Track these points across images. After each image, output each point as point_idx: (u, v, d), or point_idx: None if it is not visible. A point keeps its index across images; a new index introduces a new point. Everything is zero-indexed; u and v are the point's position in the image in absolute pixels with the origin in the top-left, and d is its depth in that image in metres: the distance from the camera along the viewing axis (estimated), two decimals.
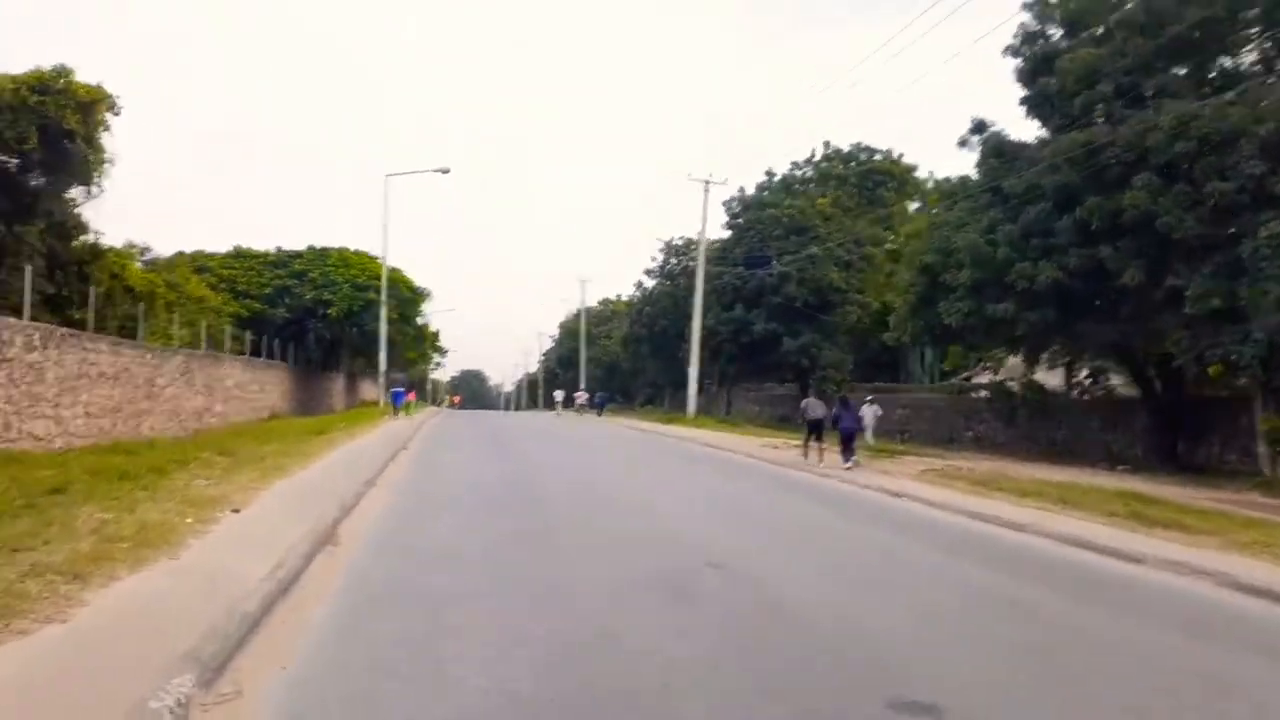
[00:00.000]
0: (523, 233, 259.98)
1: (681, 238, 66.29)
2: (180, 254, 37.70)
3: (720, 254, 45.08)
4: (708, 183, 41.66)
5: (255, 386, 34.36)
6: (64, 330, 18.12)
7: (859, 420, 20.82)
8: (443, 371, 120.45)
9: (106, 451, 13.88)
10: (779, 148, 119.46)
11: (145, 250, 37.30)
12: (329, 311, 40.95)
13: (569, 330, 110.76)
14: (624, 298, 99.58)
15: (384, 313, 39.15)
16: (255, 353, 36.77)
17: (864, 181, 45.66)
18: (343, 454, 16.09)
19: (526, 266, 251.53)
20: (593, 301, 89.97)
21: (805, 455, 19.90)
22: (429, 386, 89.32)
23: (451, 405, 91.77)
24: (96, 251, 22.50)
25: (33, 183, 19.83)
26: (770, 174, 47.65)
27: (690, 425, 39.41)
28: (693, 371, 42.02)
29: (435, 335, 67.48)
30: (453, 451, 20.90)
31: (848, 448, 18.45)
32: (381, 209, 36.83)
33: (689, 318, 61.50)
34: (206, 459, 12.97)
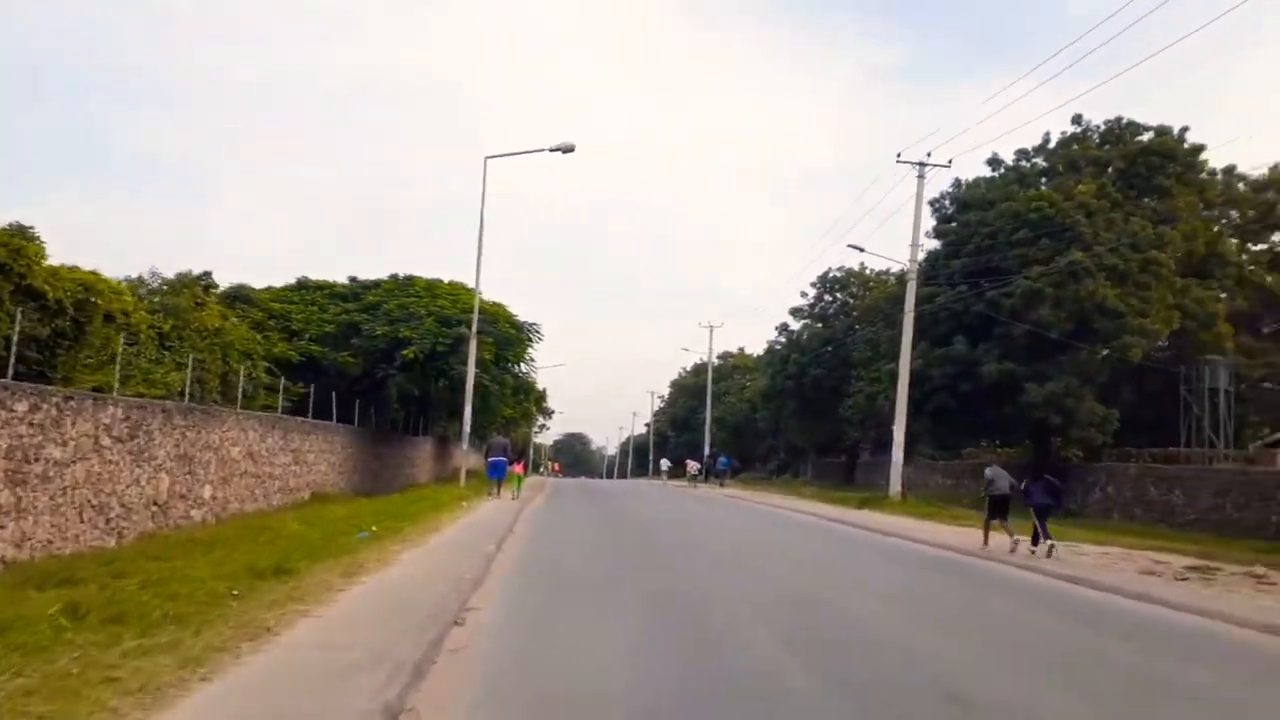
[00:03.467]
0: (632, 275, 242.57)
1: (840, 268, 54.81)
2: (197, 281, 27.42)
3: (928, 270, 32.88)
4: (923, 165, 29.72)
5: (286, 457, 23.75)
6: None
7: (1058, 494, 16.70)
8: (545, 435, 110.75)
9: None
10: (995, 136, 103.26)
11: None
12: (404, 352, 30.29)
13: (683, 388, 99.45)
14: (749, 352, 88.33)
15: (473, 346, 28.06)
16: (299, 411, 26.47)
17: (1133, 167, 32.85)
18: None
19: (636, 315, 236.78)
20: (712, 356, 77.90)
21: (986, 541, 16.11)
22: (530, 452, 78.92)
23: (552, 473, 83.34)
24: None
25: None
26: (995, 162, 35.19)
27: (898, 512, 26.99)
28: (899, 432, 29.64)
29: (541, 394, 57.10)
30: (572, 603, 9.38)
31: (1039, 524, 15.06)
32: (478, 201, 26.22)
33: (850, 366, 49.30)
34: None
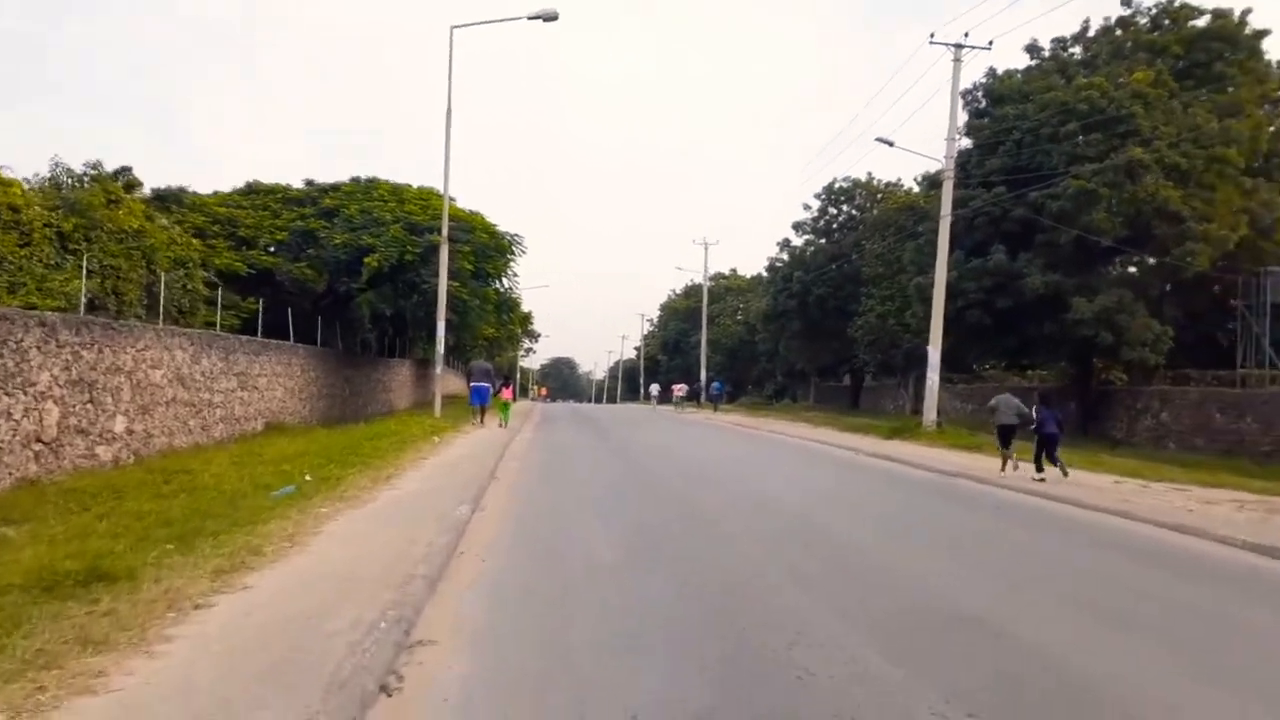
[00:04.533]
0: (622, 188, 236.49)
1: (847, 178, 50.84)
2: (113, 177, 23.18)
3: (960, 172, 29.10)
4: (959, 46, 25.68)
5: (230, 381, 20.17)
6: None
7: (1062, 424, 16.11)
8: (531, 359, 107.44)
9: None
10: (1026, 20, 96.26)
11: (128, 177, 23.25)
12: (367, 260, 26.48)
13: (674, 310, 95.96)
14: (742, 273, 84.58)
15: (444, 251, 24.28)
16: (249, 330, 22.98)
17: (1190, 53, 28.96)
18: None
19: (625, 237, 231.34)
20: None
21: (1003, 468, 16.07)
22: (516, 376, 75.72)
23: (539, 397, 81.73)
24: None
25: None
26: (1034, 49, 31.17)
27: (938, 443, 23.76)
28: (934, 353, 26.19)
29: (526, 314, 53.64)
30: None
31: (1050, 455, 15.10)
32: (445, 77, 21.95)
33: (858, 283, 45.86)
34: None
